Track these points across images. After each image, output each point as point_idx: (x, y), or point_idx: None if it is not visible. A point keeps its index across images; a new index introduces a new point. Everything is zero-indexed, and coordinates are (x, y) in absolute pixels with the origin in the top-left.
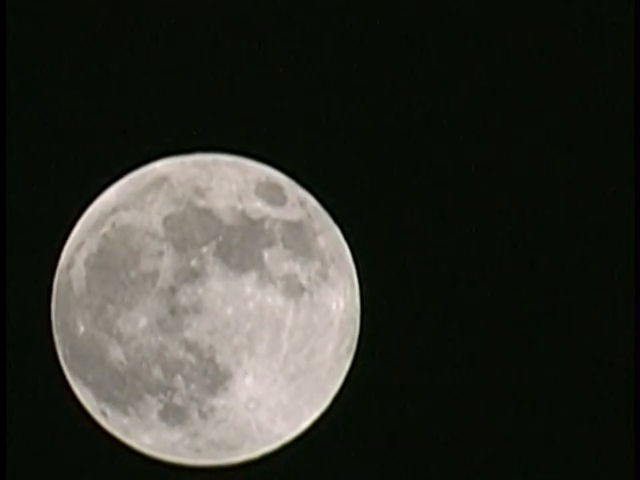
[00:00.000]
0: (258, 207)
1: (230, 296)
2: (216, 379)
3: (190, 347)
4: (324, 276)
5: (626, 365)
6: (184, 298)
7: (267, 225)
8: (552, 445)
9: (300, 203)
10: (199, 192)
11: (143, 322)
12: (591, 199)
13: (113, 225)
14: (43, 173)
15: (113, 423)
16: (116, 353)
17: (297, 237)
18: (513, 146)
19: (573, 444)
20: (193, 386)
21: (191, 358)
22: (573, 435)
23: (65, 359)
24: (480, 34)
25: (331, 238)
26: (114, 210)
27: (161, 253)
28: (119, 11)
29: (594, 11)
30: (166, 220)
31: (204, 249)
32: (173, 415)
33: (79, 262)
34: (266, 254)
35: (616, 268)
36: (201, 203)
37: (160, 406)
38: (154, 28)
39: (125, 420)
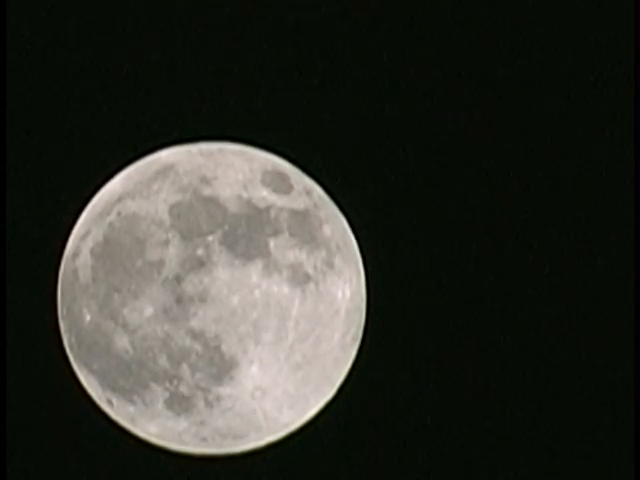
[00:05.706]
0: (264, 196)
1: (236, 285)
2: (222, 368)
3: (196, 336)
4: (330, 265)
5: (626, 365)
6: (190, 287)
7: (273, 214)
8: (553, 445)
9: (306, 192)
10: (205, 181)
11: (149, 311)
12: (591, 199)
13: (119, 214)
14: (49, 162)
15: (119, 412)
16: (122, 342)
17: (303, 226)
18: (516, 138)
19: (574, 445)
20: (199, 375)
21: (197, 347)
22: (574, 437)
23: (71, 348)
24: (484, 33)
25: (337, 227)
26: (120, 199)
27: (167, 242)
28: None
29: (594, 11)
30: (172, 209)
31: (210, 238)
32: (179, 404)
33: (85, 251)
34: (272, 243)
35: (616, 267)
36: (207, 192)
37: (166, 395)
38: (160, 18)
39: (131, 409)
